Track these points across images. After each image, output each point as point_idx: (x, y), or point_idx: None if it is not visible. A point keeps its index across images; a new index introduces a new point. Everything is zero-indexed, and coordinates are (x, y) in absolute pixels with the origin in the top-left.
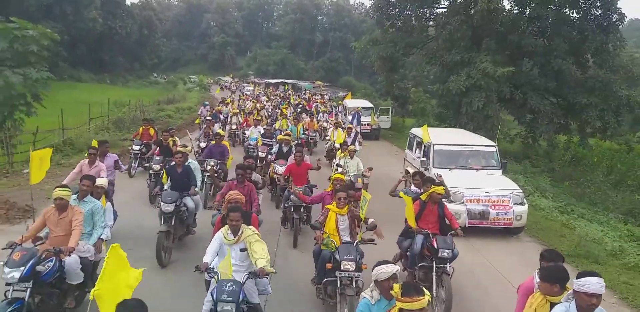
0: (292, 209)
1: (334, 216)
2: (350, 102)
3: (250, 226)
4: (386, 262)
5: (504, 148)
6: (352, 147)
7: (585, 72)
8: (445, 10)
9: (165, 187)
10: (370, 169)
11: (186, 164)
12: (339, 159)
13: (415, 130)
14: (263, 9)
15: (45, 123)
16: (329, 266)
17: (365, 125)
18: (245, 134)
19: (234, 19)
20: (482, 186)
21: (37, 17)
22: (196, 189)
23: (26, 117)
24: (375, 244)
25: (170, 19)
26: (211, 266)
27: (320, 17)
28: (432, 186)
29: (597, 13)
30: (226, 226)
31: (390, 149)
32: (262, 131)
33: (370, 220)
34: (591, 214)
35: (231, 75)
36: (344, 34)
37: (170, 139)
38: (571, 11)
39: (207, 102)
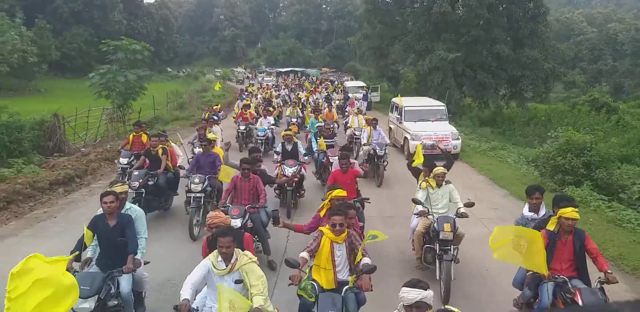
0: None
1: (328, 243)
2: (349, 83)
3: (247, 252)
4: (419, 281)
5: (476, 115)
6: (440, 168)
7: (521, 52)
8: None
9: (89, 255)
10: (472, 205)
11: (123, 210)
12: (419, 187)
13: (395, 99)
14: (269, 1)
15: (136, 105)
16: None
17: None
18: (250, 127)
19: (242, 12)
20: (432, 129)
21: (70, 22)
22: (137, 257)
23: (132, 101)
24: (371, 291)
25: (182, 15)
26: (195, 307)
27: (324, 6)
28: (560, 210)
29: (530, 6)
30: (215, 252)
31: (377, 114)
32: (273, 122)
33: (365, 260)
34: (503, 146)
35: (243, 67)
36: (348, 21)
37: (160, 146)
38: (504, 6)
39: (244, 96)
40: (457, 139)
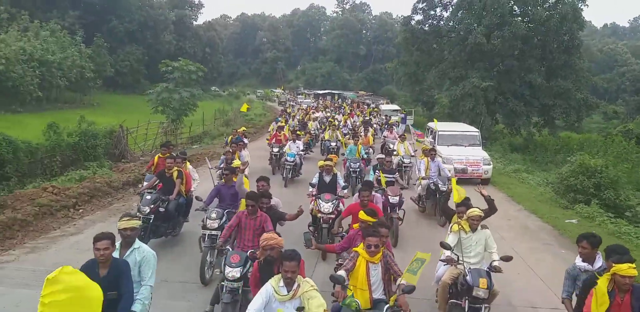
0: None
1: (364, 263)
2: (384, 107)
3: (307, 279)
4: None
5: (508, 141)
6: (476, 210)
7: (554, 82)
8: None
9: None
10: (510, 258)
11: (130, 250)
12: (450, 230)
13: (430, 124)
14: (311, 25)
15: (187, 121)
16: None
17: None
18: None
19: (284, 35)
20: (464, 154)
21: (124, 41)
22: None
23: (185, 116)
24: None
25: (227, 37)
26: None
27: (364, 31)
28: (614, 265)
29: (565, 39)
30: (277, 277)
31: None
32: (302, 147)
33: (403, 281)
34: (526, 169)
35: (282, 88)
36: (386, 46)
37: (175, 168)
38: (539, 38)
39: (279, 118)
40: (489, 164)
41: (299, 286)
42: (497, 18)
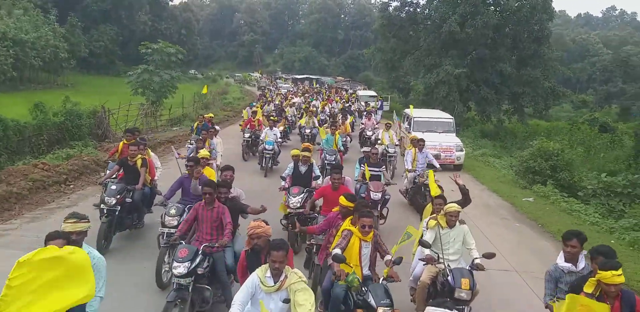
0: (314, 250)
1: (357, 242)
2: (361, 92)
3: (296, 270)
4: (444, 301)
5: (480, 128)
6: (454, 206)
7: (523, 70)
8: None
9: None
10: (493, 255)
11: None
12: (426, 225)
13: (407, 110)
14: (289, 9)
15: (167, 103)
16: None
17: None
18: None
19: (262, 18)
20: (438, 140)
21: (98, 20)
22: None
23: (164, 99)
24: (400, 281)
25: (203, 18)
26: None
27: (342, 16)
28: (599, 271)
29: (535, 28)
30: (264, 267)
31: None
32: (279, 134)
33: (387, 257)
34: (492, 152)
35: (260, 71)
36: (364, 32)
37: (139, 156)
38: (510, 28)
39: (254, 103)
40: (461, 150)
41: (286, 277)
42: (471, 7)
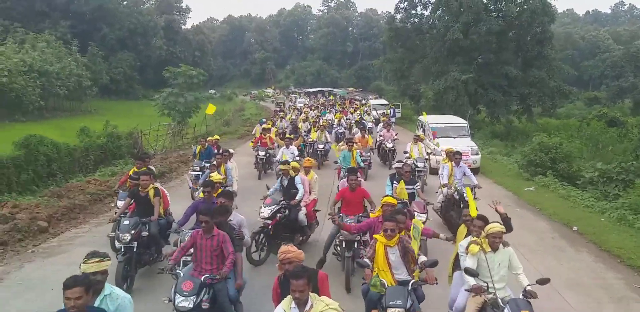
0: (343, 245)
1: (382, 248)
2: (373, 101)
3: (323, 297)
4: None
5: (491, 129)
6: (497, 226)
7: (529, 72)
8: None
9: None
10: (547, 281)
11: (101, 297)
12: (465, 251)
13: (420, 117)
14: (297, 25)
15: (191, 122)
16: None
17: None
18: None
19: (271, 35)
20: (453, 145)
21: (115, 48)
22: None
23: (189, 118)
24: (437, 283)
25: (216, 40)
26: None
27: (350, 29)
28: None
29: (537, 31)
30: (288, 298)
31: (398, 129)
32: (296, 153)
33: (422, 258)
34: (500, 151)
35: (273, 87)
36: (373, 42)
37: (151, 186)
38: (514, 32)
39: (264, 120)
40: (477, 154)
41: (312, 306)
42: (473, 15)
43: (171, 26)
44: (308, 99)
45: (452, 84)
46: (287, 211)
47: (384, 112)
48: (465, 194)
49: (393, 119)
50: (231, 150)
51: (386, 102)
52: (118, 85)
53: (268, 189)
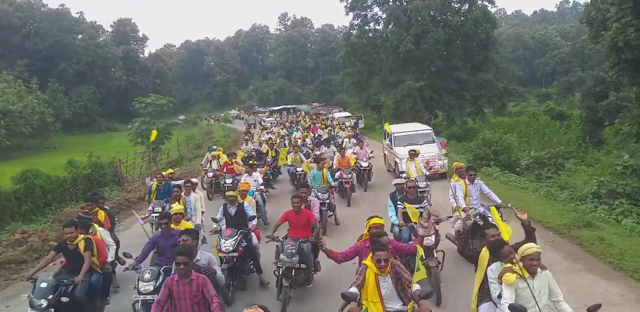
0: (281, 272)
1: (372, 276)
2: (337, 114)
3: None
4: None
5: (450, 132)
6: (533, 247)
7: (478, 75)
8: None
9: None
10: (598, 307)
11: None
12: (499, 280)
13: (385, 127)
14: (256, 45)
15: (164, 148)
16: None
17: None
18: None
19: (231, 57)
20: (421, 151)
21: (75, 82)
22: None
23: (162, 145)
24: None
25: (175, 66)
26: None
27: (309, 45)
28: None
29: (482, 37)
30: None
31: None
32: (261, 181)
33: (416, 287)
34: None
35: (237, 108)
36: (332, 57)
37: (81, 237)
38: (460, 40)
39: (213, 147)
40: (441, 159)
41: None
42: (422, 27)
43: (129, 56)
44: (276, 117)
45: (409, 92)
46: (244, 240)
47: (344, 124)
48: (490, 217)
49: (357, 130)
50: (194, 180)
51: (349, 114)
52: (80, 118)
53: (216, 221)
